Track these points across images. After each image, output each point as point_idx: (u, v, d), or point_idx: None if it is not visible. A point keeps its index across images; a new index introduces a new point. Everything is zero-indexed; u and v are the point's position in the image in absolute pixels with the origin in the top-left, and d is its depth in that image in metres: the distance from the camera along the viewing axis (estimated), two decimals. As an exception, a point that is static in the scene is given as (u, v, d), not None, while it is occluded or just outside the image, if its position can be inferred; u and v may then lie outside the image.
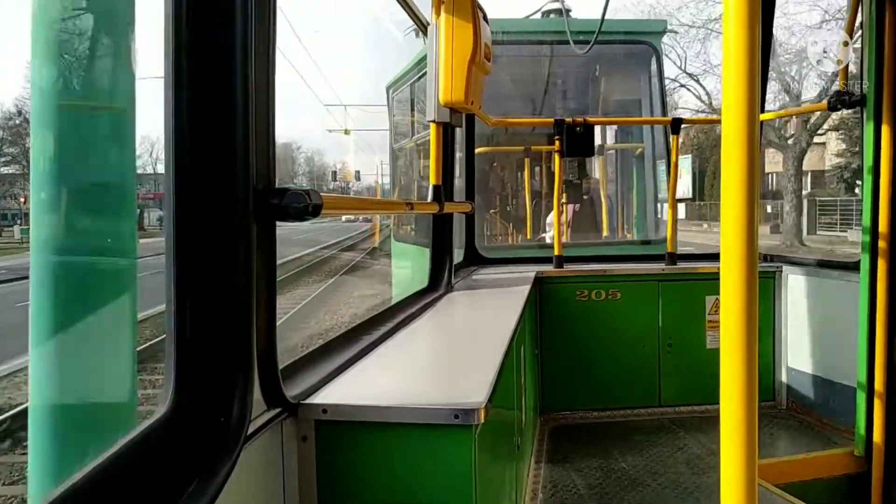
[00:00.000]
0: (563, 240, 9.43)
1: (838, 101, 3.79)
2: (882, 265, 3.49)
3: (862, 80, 3.64)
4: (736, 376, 1.23)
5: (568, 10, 8.43)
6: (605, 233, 9.37)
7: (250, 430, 1.40)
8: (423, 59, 8.53)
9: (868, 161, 3.55)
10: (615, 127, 10.50)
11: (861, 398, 3.63)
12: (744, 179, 1.20)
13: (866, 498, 3.59)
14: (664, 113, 8.87)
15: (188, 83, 1.29)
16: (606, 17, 4.81)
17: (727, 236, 1.22)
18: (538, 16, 9.71)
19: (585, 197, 10.07)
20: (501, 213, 11.53)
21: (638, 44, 8.70)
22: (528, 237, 9.00)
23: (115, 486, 1.11)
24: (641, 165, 9.30)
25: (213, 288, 1.33)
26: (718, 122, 1.25)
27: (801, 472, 3.72)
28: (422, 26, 3.45)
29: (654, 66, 8.68)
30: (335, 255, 31.58)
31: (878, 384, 3.51)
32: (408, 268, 9.85)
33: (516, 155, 10.67)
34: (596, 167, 10.55)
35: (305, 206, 1.46)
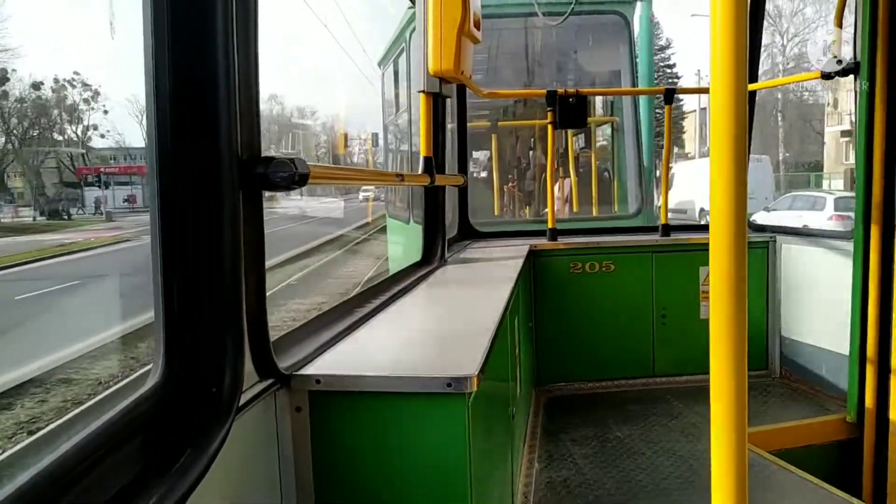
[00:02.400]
0: (561, 216, 9.41)
1: (832, 69, 3.77)
2: (875, 233, 3.49)
3: (855, 48, 3.61)
4: (725, 346, 1.23)
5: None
6: (582, 210, 9.25)
7: (242, 400, 1.40)
8: (403, 30, 8.43)
9: (861, 129, 3.54)
10: (609, 101, 10.41)
11: (854, 365, 3.66)
12: (732, 150, 1.19)
13: (858, 463, 3.63)
14: (635, 83, 8.81)
15: (167, 50, 1.26)
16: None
17: (716, 207, 1.21)
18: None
19: (582, 171, 9.98)
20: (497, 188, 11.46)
21: (610, 13, 8.60)
22: (497, 214, 8.94)
23: (107, 457, 1.11)
24: (622, 138, 9.24)
25: (200, 259, 1.32)
26: (708, 91, 1.24)
27: (794, 438, 3.76)
28: None
29: (627, 37, 8.60)
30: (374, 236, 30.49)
31: (871, 351, 3.54)
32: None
33: (523, 131, 10.59)
34: (574, 141, 10.46)
35: (291, 175, 1.44)
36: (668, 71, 64.36)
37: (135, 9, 1.24)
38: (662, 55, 63.32)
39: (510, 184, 11.05)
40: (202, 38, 1.28)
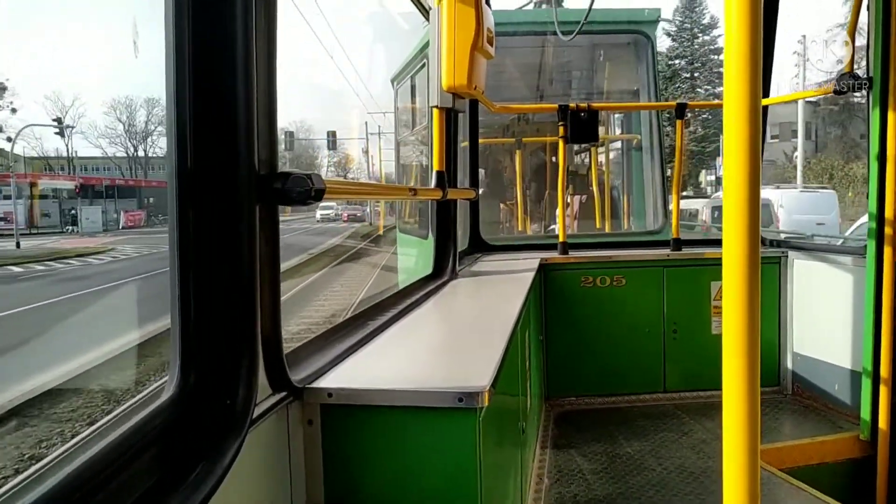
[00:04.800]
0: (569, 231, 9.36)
1: (845, 84, 3.77)
2: (888, 251, 3.48)
3: (868, 63, 3.61)
4: (738, 361, 1.23)
5: (560, 0, 8.39)
6: (603, 226, 9.20)
7: (256, 413, 1.41)
8: (424, 48, 8.51)
9: (874, 145, 3.54)
10: (620, 119, 10.42)
11: (866, 383, 3.63)
12: (746, 165, 1.20)
13: (871, 481, 3.60)
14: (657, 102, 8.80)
15: (190, 68, 1.28)
16: (602, 6, 4.82)
17: (729, 222, 1.22)
18: (531, 6, 9.64)
19: (591, 188, 9.97)
20: (508, 203, 11.42)
21: (631, 33, 8.63)
22: (520, 229, 8.95)
23: (122, 469, 1.12)
24: (640, 156, 9.23)
25: (216, 272, 1.33)
26: (721, 105, 1.25)
27: (806, 456, 3.72)
28: (424, 11, 3.43)
29: (648, 55, 8.61)
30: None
31: (884, 369, 3.51)
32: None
33: (532, 146, 10.60)
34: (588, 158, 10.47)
35: (308, 190, 1.46)
36: (716, 58, 55.81)
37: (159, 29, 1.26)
38: (706, 37, 56.18)
39: (509, 201, 11.03)
40: (224, 57, 1.31)
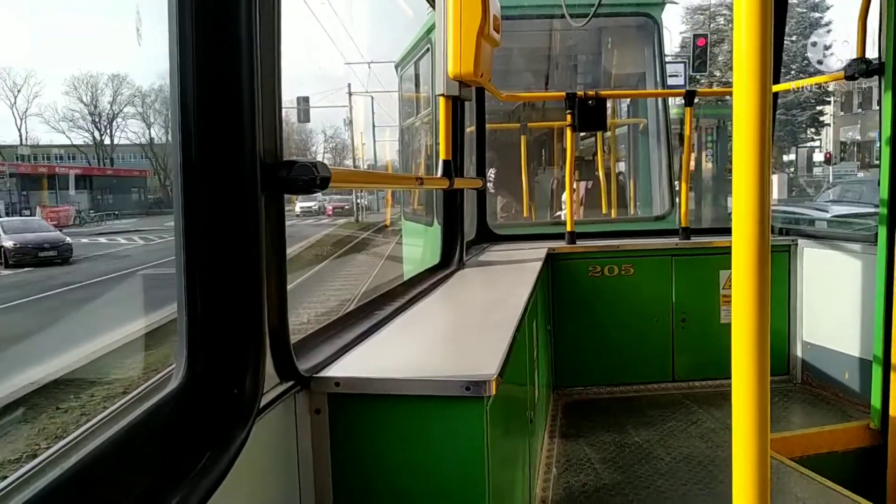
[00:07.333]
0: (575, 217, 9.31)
1: (856, 69, 3.72)
2: None
3: (880, 48, 3.57)
4: (748, 350, 1.22)
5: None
6: (608, 211, 9.14)
7: (263, 402, 1.41)
8: (429, 31, 8.47)
9: (886, 131, 3.50)
10: (626, 103, 10.33)
11: (877, 371, 3.60)
12: (756, 152, 1.18)
13: (882, 470, 3.58)
14: (664, 86, 8.70)
15: (193, 56, 1.28)
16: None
17: (739, 210, 1.20)
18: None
19: (596, 174, 9.88)
20: (514, 191, 11.32)
21: (638, 16, 8.53)
22: (525, 215, 8.90)
23: (130, 457, 1.12)
24: (646, 140, 9.15)
25: (222, 262, 1.33)
26: (731, 92, 1.23)
27: (816, 445, 3.71)
28: None
29: (655, 39, 8.52)
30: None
31: (895, 357, 3.49)
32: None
33: (539, 132, 10.50)
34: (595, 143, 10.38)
35: (313, 179, 1.45)
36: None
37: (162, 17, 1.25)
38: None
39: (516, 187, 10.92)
40: (227, 46, 1.30)
